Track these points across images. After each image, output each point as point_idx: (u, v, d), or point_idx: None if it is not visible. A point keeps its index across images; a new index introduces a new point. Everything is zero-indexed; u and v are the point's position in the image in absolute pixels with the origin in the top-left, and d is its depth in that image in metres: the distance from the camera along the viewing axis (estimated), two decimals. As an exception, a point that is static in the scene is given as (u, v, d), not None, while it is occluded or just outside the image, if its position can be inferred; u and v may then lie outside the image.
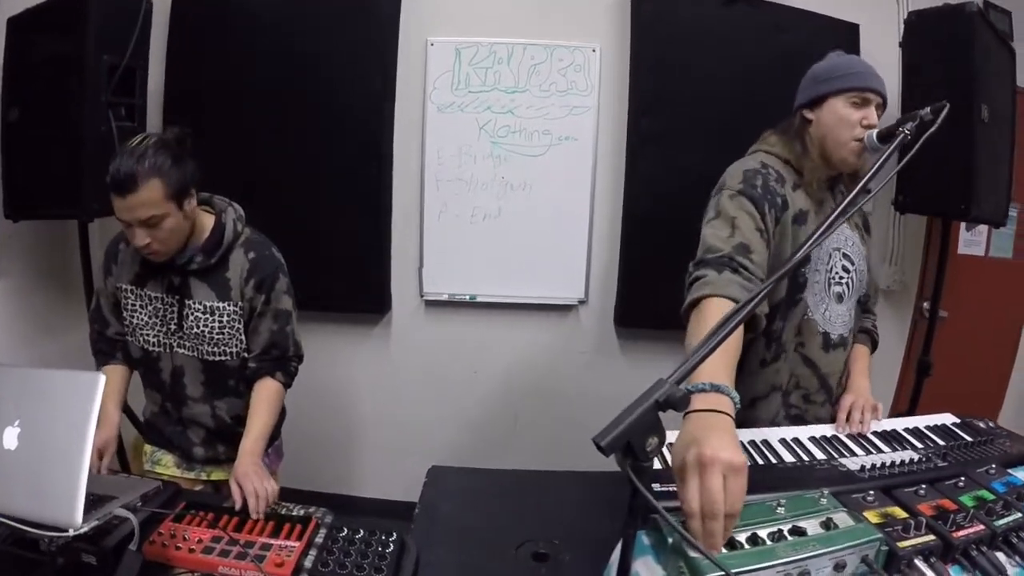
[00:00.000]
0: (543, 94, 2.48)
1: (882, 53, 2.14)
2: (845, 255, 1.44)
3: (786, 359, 1.42)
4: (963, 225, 2.34)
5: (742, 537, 0.82)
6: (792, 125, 1.44)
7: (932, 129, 1.12)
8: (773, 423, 1.44)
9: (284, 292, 1.56)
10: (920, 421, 1.43)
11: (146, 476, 1.51)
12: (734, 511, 0.74)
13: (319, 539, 1.12)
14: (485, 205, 2.57)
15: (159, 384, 1.58)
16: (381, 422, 2.78)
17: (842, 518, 0.88)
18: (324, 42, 2.43)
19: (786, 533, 0.83)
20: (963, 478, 1.09)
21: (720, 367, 0.94)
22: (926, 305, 2.34)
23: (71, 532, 0.91)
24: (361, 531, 1.13)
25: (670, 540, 0.81)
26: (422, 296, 2.66)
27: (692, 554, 0.75)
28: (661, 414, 0.72)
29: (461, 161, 2.55)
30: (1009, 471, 1.13)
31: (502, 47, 2.45)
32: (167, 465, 1.63)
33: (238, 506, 1.21)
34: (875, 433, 1.36)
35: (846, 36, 2.24)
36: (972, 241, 2.39)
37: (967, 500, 1.02)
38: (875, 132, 1.31)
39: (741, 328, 1.03)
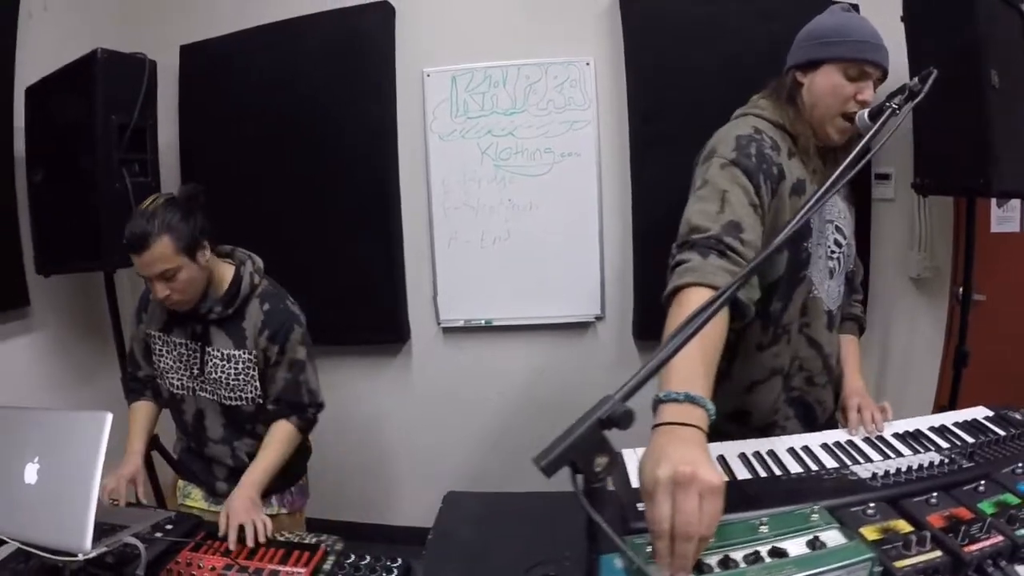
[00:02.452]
0: (541, 112, 2.49)
1: (885, 29, 2.00)
2: (838, 228, 1.36)
3: (788, 341, 1.32)
4: (994, 202, 2.20)
5: (713, 560, 0.76)
6: (783, 86, 1.33)
7: (919, 97, 1.01)
8: (773, 408, 1.36)
9: (299, 343, 1.60)
10: (948, 417, 1.32)
11: (180, 509, 1.63)
12: (708, 535, 0.69)
13: (327, 566, 1.16)
14: (494, 229, 2.58)
15: (184, 424, 1.67)
16: (407, 450, 2.80)
17: (832, 536, 0.81)
18: (324, 84, 2.52)
19: (764, 555, 0.77)
20: (983, 481, 0.98)
21: (697, 372, 0.87)
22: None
23: (80, 556, 1.01)
24: (367, 557, 1.18)
25: (634, 565, 0.76)
26: (439, 323, 2.68)
27: (652, 577, 0.71)
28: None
29: (466, 187, 2.57)
30: (1038, 469, 1.02)
31: (496, 70, 2.48)
32: (196, 499, 1.71)
33: (221, 532, 1.27)
34: (896, 435, 1.27)
35: (845, 17, 2.15)
36: (1005, 218, 2.22)
37: (986, 507, 0.92)
38: (866, 112, 1.20)
39: (722, 323, 1.00)
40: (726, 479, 0.72)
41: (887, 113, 1.04)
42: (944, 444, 1.21)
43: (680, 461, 0.71)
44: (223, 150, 2.62)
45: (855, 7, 2.15)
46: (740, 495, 1.06)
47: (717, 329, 0.98)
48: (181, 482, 1.75)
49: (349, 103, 2.52)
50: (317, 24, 2.51)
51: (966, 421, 1.30)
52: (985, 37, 1.64)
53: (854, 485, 1.06)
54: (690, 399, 0.82)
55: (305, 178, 2.58)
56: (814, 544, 0.79)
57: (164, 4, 2.67)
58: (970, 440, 1.21)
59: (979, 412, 1.33)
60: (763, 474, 1.15)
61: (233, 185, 2.61)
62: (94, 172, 2.00)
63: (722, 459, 1.20)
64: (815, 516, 0.85)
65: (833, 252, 1.35)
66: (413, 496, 2.78)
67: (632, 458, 1.14)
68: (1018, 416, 1.29)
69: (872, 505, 0.92)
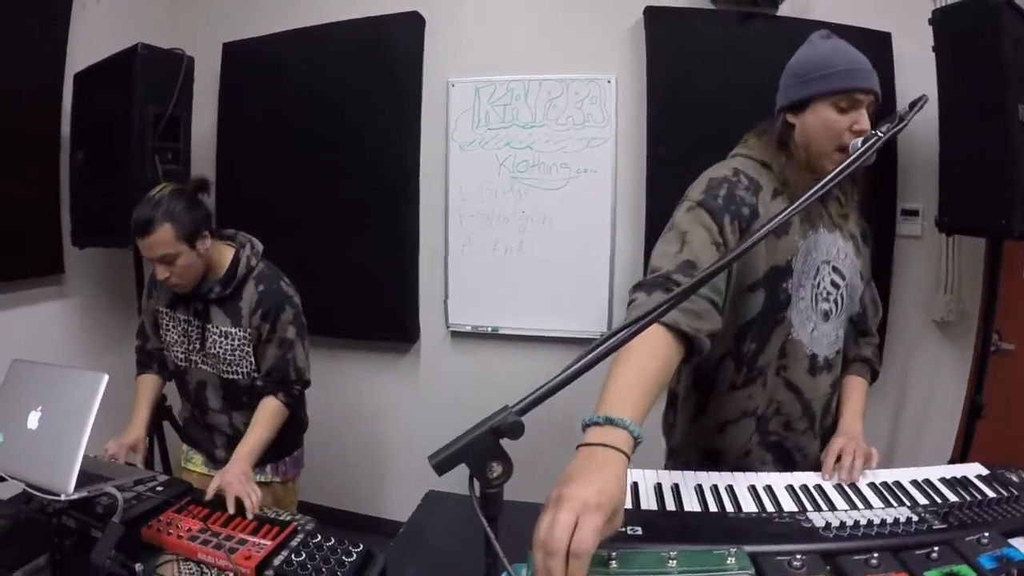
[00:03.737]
0: (560, 128, 2.49)
1: (917, 60, 1.95)
2: (835, 268, 1.30)
3: (763, 383, 1.29)
4: (1028, 245, 2.05)
5: None
6: (774, 130, 1.30)
7: (904, 124, 0.96)
8: (745, 450, 1.32)
9: (289, 323, 1.68)
10: (936, 472, 1.22)
11: (182, 472, 1.83)
12: (579, 551, 0.68)
13: (294, 542, 1.21)
14: (507, 239, 2.59)
15: (187, 394, 1.79)
16: (405, 447, 2.83)
17: None
18: (353, 87, 2.61)
19: None
20: (938, 547, 0.88)
21: (625, 398, 0.88)
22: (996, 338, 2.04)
23: (63, 497, 1.10)
24: (332, 539, 1.20)
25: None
26: (448, 327, 2.70)
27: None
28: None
29: (483, 196, 2.59)
30: (1010, 541, 0.91)
31: (519, 84, 2.50)
32: (197, 464, 1.84)
33: (208, 496, 1.36)
34: (871, 484, 1.18)
35: (877, 45, 2.06)
36: (1040, 263, 2.06)
37: None
38: (859, 141, 1.15)
39: (667, 354, 1.00)
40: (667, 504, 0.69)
41: (872, 140, 1.00)
42: (921, 500, 1.11)
43: (571, 482, 0.73)
44: (255, 144, 2.74)
45: (887, 36, 2.10)
46: (680, 526, 1.04)
47: (658, 359, 0.98)
48: (184, 447, 1.88)
49: (376, 107, 2.59)
50: (351, 30, 2.60)
51: (955, 478, 1.19)
52: (1012, 70, 1.54)
53: (802, 532, 0.99)
54: (610, 421, 0.83)
55: (329, 175, 2.66)
56: (716, 587, 0.76)
57: (210, 2, 2.81)
58: (952, 499, 1.11)
59: (973, 469, 1.23)
60: (713, 508, 1.10)
61: (261, 178, 2.73)
62: (129, 157, 2.13)
63: (675, 489, 1.16)
64: (731, 559, 0.81)
65: (829, 293, 1.30)
66: (407, 493, 2.75)
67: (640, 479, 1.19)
68: (1015, 478, 1.19)
69: (801, 556, 0.86)
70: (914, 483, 1.18)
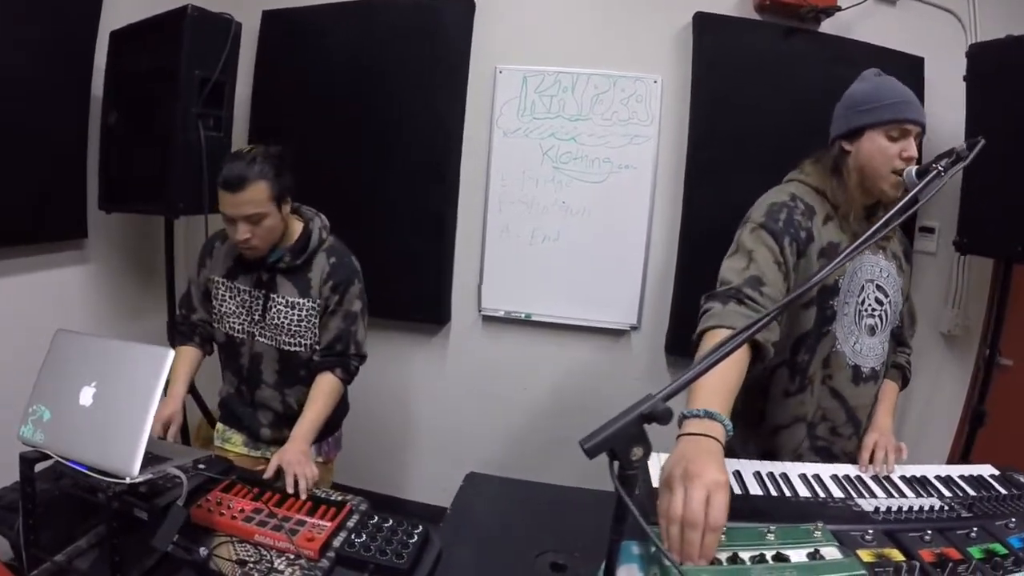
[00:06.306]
0: (605, 123, 2.56)
1: (947, 87, 2.09)
2: (879, 287, 1.43)
3: (812, 391, 1.43)
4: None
5: (722, 556, 0.87)
6: (829, 157, 1.43)
7: (965, 162, 1.08)
8: (796, 453, 1.46)
9: (356, 296, 1.72)
10: (956, 470, 1.40)
11: (217, 453, 1.66)
12: (716, 524, 0.79)
13: (351, 523, 1.22)
14: (545, 228, 2.67)
15: (237, 368, 1.76)
16: (430, 428, 2.89)
17: (831, 552, 0.91)
18: (399, 68, 2.61)
19: (768, 558, 0.87)
20: (975, 528, 1.06)
21: (716, 395, 0.99)
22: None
23: (127, 480, 1.02)
24: (390, 520, 1.22)
25: (652, 549, 0.86)
26: (480, 311, 2.78)
27: (665, 563, 0.81)
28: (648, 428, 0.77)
29: (524, 184, 2.66)
30: (1030, 528, 1.09)
31: (567, 76, 2.56)
32: (236, 444, 1.81)
33: (267, 475, 1.39)
34: (902, 477, 1.35)
35: (910, 69, 2.20)
36: (1046, 284, 2.26)
37: (975, 551, 1.00)
38: (914, 169, 1.28)
39: (742, 358, 1.11)
40: (734, 488, 0.80)
41: (932, 174, 1.12)
42: (947, 493, 1.29)
43: (693, 462, 0.83)
44: (292, 116, 2.71)
45: (920, 61, 2.24)
46: (750, 508, 1.17)
47: (737, 363, 1.10)
48: (221, 426, 1.85)
49: (420, 89, 2.60)
50: (398, 8, 2.59)
51: (972, 476, 1.37)
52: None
53: (856, 515, 1.15)
54: (709, 415, 0.94)
55: (368, 154, 2.67)
56: (814, 555, 0.90)
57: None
58: (972, 493, 1.29)
59: (986, 469, 1.41)
60: (774, 493, 1.25)
61: (297, 151, 2.70)
62: (171, 121, 2.04)
63: (738, 474, 1.30)
64: (817, 533, 0.96)
65: (874, 310, 1.43)
66: (428, 474, 2.88)
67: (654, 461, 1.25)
68: (1022, 479, 1.36)
69: (871, 532, 1.02)
70: (938, 478, 1.36)
